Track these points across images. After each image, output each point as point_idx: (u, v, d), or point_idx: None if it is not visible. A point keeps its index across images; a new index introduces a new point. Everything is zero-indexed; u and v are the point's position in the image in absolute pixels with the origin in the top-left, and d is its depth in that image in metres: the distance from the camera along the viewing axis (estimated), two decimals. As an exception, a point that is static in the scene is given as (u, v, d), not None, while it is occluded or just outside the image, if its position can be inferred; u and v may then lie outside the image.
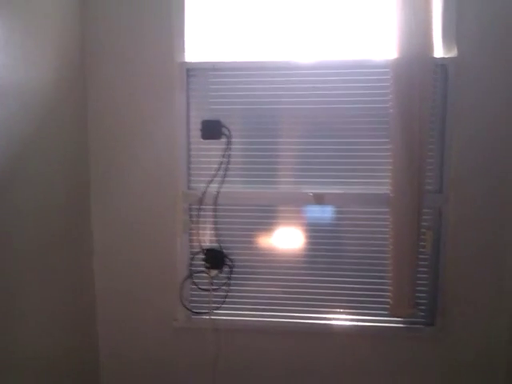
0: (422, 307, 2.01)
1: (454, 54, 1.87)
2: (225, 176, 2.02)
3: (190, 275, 2.07)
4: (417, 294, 1.95)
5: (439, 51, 1.88)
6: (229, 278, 2.07)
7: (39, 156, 1.67)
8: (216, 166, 2.02)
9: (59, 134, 1.82)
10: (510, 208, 1.92)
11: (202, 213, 2.04)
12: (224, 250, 2.06)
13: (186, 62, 1.98)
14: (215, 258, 2.06)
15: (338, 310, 2.06)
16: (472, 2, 1.85)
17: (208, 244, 2.07)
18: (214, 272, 2.06)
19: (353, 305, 2.05)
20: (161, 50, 1.97)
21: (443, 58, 1.88)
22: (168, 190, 2.05)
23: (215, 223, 2.05)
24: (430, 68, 1.83)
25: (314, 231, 2.03)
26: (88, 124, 2.05)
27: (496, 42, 1.86)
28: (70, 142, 1.92)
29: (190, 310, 2.09)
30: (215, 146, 2.02)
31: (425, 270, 1.99)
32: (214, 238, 2.06)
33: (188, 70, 1.98)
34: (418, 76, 1.82)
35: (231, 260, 2.07)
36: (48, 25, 1.73)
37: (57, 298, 1.81)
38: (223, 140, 2.01)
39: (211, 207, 2.03)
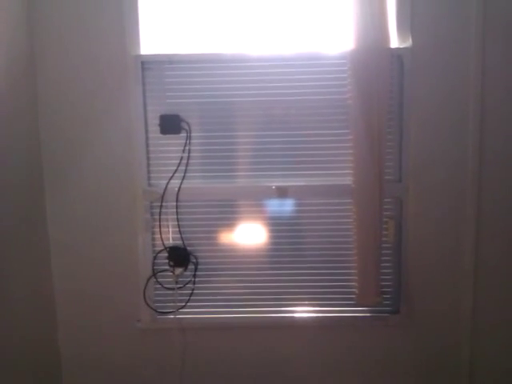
0: (387, 295, 2.03)
1: (408, 44, 1.90)
2: (185, 172, 1.97)
3: (154, 274, 2.02)
4: (381, 283, 1.97)
5: (394, 42, 1.91)
6: (194, 276, 2.03)
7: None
8: (176, 161, 1.97)
9: (8, 131, 1.73)
10: (468, 195, 1.96)
11: (163, 210, 1.99)
12: (188, 248, 2.02)
13: (141, 55, 1.92)
14: (179, 256, 2.01)
15: (304, 302, 2.05)
16: (425, -7, 1.88)
17: (171, 242, 2.02)
18: (178, 270, 2.01)
19: (318, 296, 2.04)
20: (113, 42, 1.91)
21: (398, 49, 1.90)
22: (127, 188, 1.99)
23: (178, 220, 2.00)
24: (386, 58, 1.85)
25: (278, 225, 2.02)
26: (39, 121, 1.97)
27: (449, 31, 1.90)
28: (21, 140, 1.83)
29: (155, 310, 2.04)
30: (175, 141, 1.97)
31: (388, 258, 2.01)
32: (177, 236, 2.01)
33: (143, 63, 1.92)
34: (374, 67, 1.83)
35: (195, 257, 2.03)
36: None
37: (14, 301, 1.74)
38: (183, 135, 1.96)
39: (173, 204, 1.99)
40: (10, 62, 1.76)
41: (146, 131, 1.97)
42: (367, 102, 1.85)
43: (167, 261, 2.01)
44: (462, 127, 1.94)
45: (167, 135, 1.96)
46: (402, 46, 1.90)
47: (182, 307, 2.03)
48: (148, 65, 1.93)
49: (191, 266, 2.02)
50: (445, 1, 1.88)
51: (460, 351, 2.05)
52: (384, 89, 1.85)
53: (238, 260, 2.04)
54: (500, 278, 2.00)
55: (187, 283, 2.03)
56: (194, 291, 2.03)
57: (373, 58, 1.83)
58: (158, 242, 2.02)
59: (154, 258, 2.02)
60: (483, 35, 1.88)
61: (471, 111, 1.92)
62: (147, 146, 1.98)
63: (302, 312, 2.05)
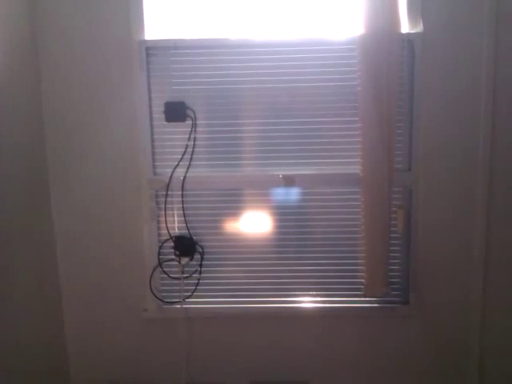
0: (396, 286, 2.00)
1: (419, 29, 1.85)
2: (191, 160, 1.94)
3: (160, 264, 2.00)
4: (390, 273, 1.94)
5: (405, 27, 1.86)
6: (200, 265, 2.01)
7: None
8: (181, 149, 1.94)
9: (12, 120, 1.71)
10: (480, 184, 1.92)
11: (168, 199, 1.97)
12: (194, 237, 1.99)
13: (146, 40, 1.88)
14: (185, 246, 1.99)
15: (312, 292, 2.03)
16: (437, -24, 1.83)
17: (177, 231, 2.00)
18: (184, 260, 1.99)
19: (326, 287, 2.02)
20: (118, 28, 1.87)
21: (409, 34, 1.85)
22: (132, 177, 1.96)
23: (183, 209, 1.98)
24: (396, 44, 1.80)
25: (285, 214, 1.99)
26: (43, 108, 1.94)
27: (461, 16, 1.84)
28: (25, 129, 1.80)
29: (161, 300, 2.02)
30: (180, 129, 1.94)
31: (397, 248, 1.98)
32: (182, 225, 1.99)
33: (148, 49, 1.89)
34: (384, 52, 1.79)
35: (201, 246, 2.01)
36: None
37: (20, 291, 1.73)
38: (188, 122, 1.93)
39: (178, 193, 1.96)
40: (13, 49, 1.72)
41: (151, 119, 1.94)
42: (377, 88, 1.81)
43: (173, 250, 1.99)
44: (474, 115, 1.90)
45: (172, 123, 1.93)
46: (412, 31, 1.86)
47: (189, 297, 2.01)
48: (153, 50, 1.90)
49: (197, 256, 2.00)
50: (457, -16, 1.83)
51: (470, 342, 2.03)
52: (394, 75, 1.81)
53: (244, 250, 2.02)
54: (511, 267, 1.97)
55: (193, 273, 2.01)
56: (200, 281, 2.01)
57: (383, 44, 1.79)
58: (164, 232, 2.00)
59: (160, 247, 2.00)
60: (496, 20, 1.83)
61: (483, 98, 1.87)
62: (152, 133, 1.95)
63: (309, 302, 2.03)
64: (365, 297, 1.98)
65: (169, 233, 1.99)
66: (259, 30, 1.92)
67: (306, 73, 1.90)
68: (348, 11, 1.89)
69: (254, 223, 2.01)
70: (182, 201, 1.97)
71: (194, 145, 1.94)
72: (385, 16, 1.78)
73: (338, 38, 1.88)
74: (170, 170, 1.94)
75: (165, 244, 2.00)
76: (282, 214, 1.99)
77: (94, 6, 1.87)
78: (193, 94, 1.92)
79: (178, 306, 2.02)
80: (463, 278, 1.99)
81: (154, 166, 1.97)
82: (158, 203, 1.99)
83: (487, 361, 2.03)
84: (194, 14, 1.92)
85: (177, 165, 1.94)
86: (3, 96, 1.65)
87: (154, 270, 2.00)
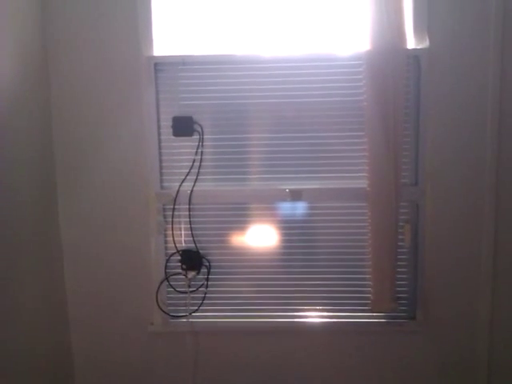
0: (403, 301, 1.99)
1: (426, 45, 1.86)
2: (198, 174, 1.95)
3: (167, 277, 2.01)
4: (397, 288, 1.93)
5: (411, 42, 1.87)
6: (206, 279, 2.01)
7: (1, 156, 1.58)
8: (189, 163, 1.95)
9: (22, 134, 1.73)
10: (487, 199, 1.92)
11: (176, 213, 1.98)
12: (200, 251, 2.00)
13: (154, 56, 1.91)
14: (192, 259, 1.99)
15: (318, 307, 2.02)
16: (443, -8, 1.84)
17: (184, 245, 2.01)
18: (191, 274, 1.99)
19: (333, 302, 2.01)
20: (127, 44, 1.89)
21: (415, 49, 1.87)
22: (140, 190, 1.98)
23: (190, 223, 1.98)
24: (402, 59, 1.81)
25: (291, 228, 1.99)
26: (52, 123, 1.96)
27: (467, 32, 1.85)
28: (34, 143, 1.82)
29: (168, 314, 2.02)
30: (187, 144, 1.95)
31: (404, 263, 1.98)
32: (189, 239, 2.00)
33: (156, 65, 1.91)
34: (391, 68, 1.80)
35: (208, 260, 2.01)
36: (8, 19, 1.63)
37: (26, 304, 1.73)
38: (195, 137, 1.95)
39: (185, 207, 1.97)
40: (24, 63, 1.75)
41: (159, 133, 1.95)
42: (383, 103, 1.81)
43: (180, 264, 1.99)
44: (480, 130, 1.90)
45: (180, 137, 1.95)
46: (418, 47, 1.87)
47: (195, 311, 2.01)
48: (161, 66, 1.92)
49: (204, 270, 2.01)
50: (463, 0, 1.84)
51: (477, 358, 2.00)
52: (400, 90, 1.82)
53: (251, 264, 2.01)
54: (519, 283, 1.96)
55: (200, 287, 2.01)
56: (207, 295, 2.01)
57: (389, 59, 1.80)
58: (171, 245, 2.00)
59: (167, 261, 2.00)
60: (502, 36, 1.83)
61: (489, 113, 1.88)
62: (160, 148, 1.96)
63: (316, 317, 2.02)
64: (372, 312, 1.97)
65: (176, 246, 1.99)
66: (266, 46, 1.93)
67: (312, 88, 1.91)
68: (354, 27, 1.91)
69: (260, 237, 2.01)
70: (189, 215, 1.97)
71: (201, 159, 1.95)
72: (391, 32, 1.79)
73: (345, 53, 1.89)
74: (178, 184, 1.95)
75: (172, 258, 2.00)
76: (289, 228, 1.99)
77: (104, 22, 1.90)
78: (200, 108, 1.94)
79: (185, 320, 2.02)
80: (471, 293, 1.97)
81: (162, 180, 1.98)
82: (165, 217, 2.00)
83: (495, 378, 2.01)
84: (202, 31, 1.95)
85: (184, 179, 1.95)
86: (14, 109, 1.67)
87: (161, 283, 2.00)
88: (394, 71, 1.80)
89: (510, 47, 1.84)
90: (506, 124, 1.88)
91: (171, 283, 2.01)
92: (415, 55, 1.87)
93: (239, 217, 2.00)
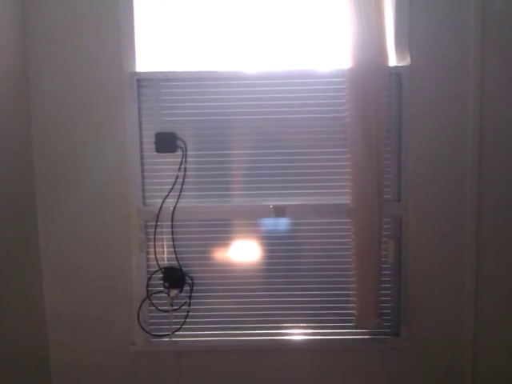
0: (387, 317, 1.98)
1: (407, 62, 1.89)
2: (181, 191, 1.93)
3: (148, 296, 1.97)
4: (381, 304, 1.92)
5: (393, 60, 1.89)
6: (189, 297, 1.98)
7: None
8: (171, 180, 1.93)
9: (1, 149, 1.69)
10: (468, 214, 1.93)
11: (158, 230, 1.95)
12: (183, 268, 1.97)
13: (137, 72, 1.89)
14: (174, 277, 1.96)
15: (302, 324, 2.00)
16: (423, 11, 1.87)
17: (166, 262, 1.98)
18: (173, 292, 1.95)
19: (316, 318, 2.00)
20: (109, 59, 1.88)
21: (397, 67, 1.89)
22: (121, 207, 1.95)
23: (173, 240, 1.95)
24: (384, 77, 1.84)
25: (275, 244, 1.98)
26: (33, 138, 1.93)
27: (447, 49, 1.89)
28: (13, 157, 1.79)
29: (149, 333, 1.98)
30: (170, 160, 1.94)
31: (388, 279, 1.97)
32: (172, 256, 1.97)
33: (139, 81, 1.90)
34: (372, 85, 1.82)
35: (191, 278, 1.98)
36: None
37: (4, 323, 1.68)
38: (178, 153, 1.93)
39: (168, 223, 1.95)
40: (3, 76, 1.72)
41: (141, 149, 1.94)
42: (365, 120, 1.83)
43: (162, 282, 1.96)
44: (461, 145, 1.92)
45: (163, 153, 1.93)
46: (400, 65, 1.89)
47: (178, 330, 1.98)
48: (144, 82, 1.91)
49: (186, 287, 1.98)
50: (443, 19, 1.88)
51: (461, 374, 2.00)
52: (382, 107, 1.83)
53: (234, 281, 1.99)
54: (502, 298, 1.96)
55: (182, 305, 1.98)
56: (190, 313, 1.98)
57: (371, 77, 1.82)
58: (153, 263, 1.97)
59: (149, 278, 1.97)
60: (482, 53, 1.87)
61: (470, 129, 1.90)
62: (142, 164, 1.94)
63: (300, 334, 2.00)
64: (356, 328, 1.96)
65: (158, 264, 1.96)
66: (248, 62, 1.94)
67: (295, 104, 1.92)
68: (336, 44, 1.93)
69: (244, 254, 1.99)
70: (172, 231, 1.95)
71: (185, 175, 1.93)
72: (372, 49, 1.82)
73: (327, 70, 1.91)
74: (160, 201, 1.93)
75: (154, 275, 1.97)
76: (273, 244, 1.98)
77: (86, 37, 1.88)
78: (183, 125, 1.93)
79: (167, 339, 1.98)
80: (454, 309, 1.97)
81: (144, 197, 1.96)
82: (147, 234, 1.97)
83: (480, 394, 2.01)
84: (185, 47, 1.95)
85: (167, 195, 1.93)
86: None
87: (143, 302, 1.96)
88: (375, 88, 1.82)
89: (490, 65, 1.88)
90: (487, 139, 1.91)
91: (153, 302, 1.97)
92: (397, 72, 1.89)
93: (223, 233, 1.98)
